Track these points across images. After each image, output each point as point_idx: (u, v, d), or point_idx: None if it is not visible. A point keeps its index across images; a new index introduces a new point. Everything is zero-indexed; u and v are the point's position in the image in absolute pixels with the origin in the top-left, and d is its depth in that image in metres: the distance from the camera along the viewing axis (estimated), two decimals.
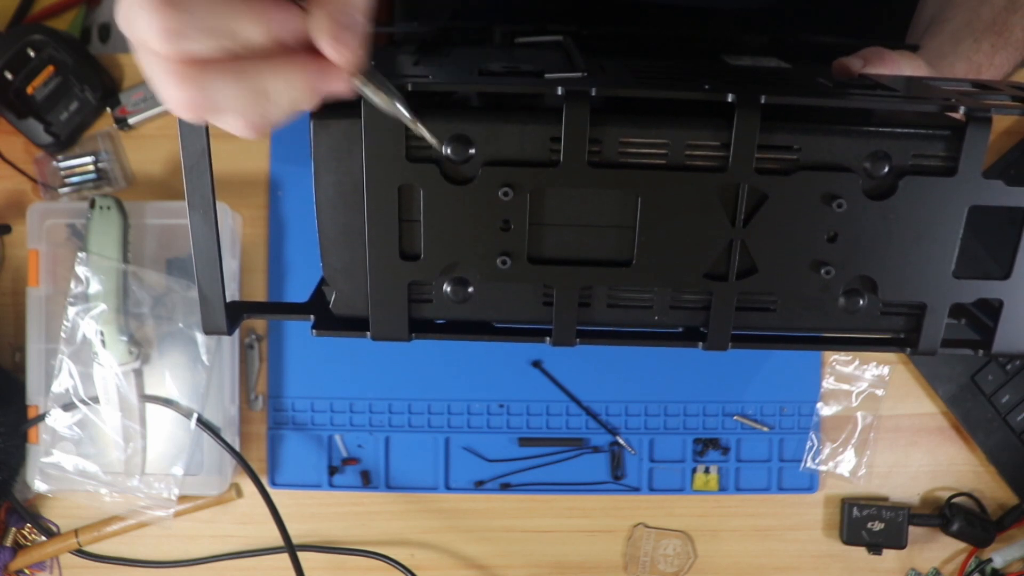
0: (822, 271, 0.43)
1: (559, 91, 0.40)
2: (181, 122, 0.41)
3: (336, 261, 0.45)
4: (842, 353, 0.79)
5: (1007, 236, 0.44)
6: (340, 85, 0.35)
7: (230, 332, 0.45)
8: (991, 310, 0.45)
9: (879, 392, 0.79)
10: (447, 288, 0.45)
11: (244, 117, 0.34)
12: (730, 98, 0.41)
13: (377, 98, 0.37)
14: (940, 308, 0.45)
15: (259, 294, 0.79)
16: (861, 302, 0.45)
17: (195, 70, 0.32)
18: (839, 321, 0.46)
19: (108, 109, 0.78)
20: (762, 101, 0.40)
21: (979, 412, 0.77)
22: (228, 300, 0.45)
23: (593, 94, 0.40)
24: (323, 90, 0.34)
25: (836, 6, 0.80)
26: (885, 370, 0.79)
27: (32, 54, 0.75)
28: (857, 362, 0.79)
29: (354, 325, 0.46)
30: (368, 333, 0.45)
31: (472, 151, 0.41)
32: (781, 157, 0.42)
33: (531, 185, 0.42)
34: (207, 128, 0.41)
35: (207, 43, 0.32)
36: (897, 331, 0.46)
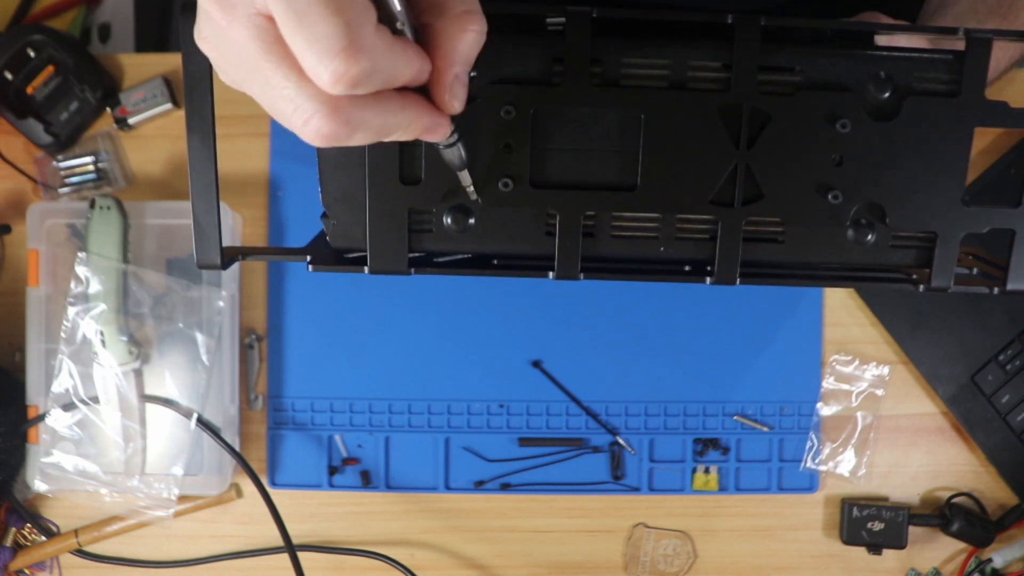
0: (829, 196, 0.43)
1: (561, 15, 0.40)
2: (184, 42, 0.40)
3: (335, 188, 0.44)
4: (842, 353, 0.79)
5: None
6: (443, 132, 0.37)
7: (224, 267, 0.44)
8: (1003, 261, 0.44)
9: (879, 392, 0.79)
10: (447, 218, 0.44)
11: (358, 142, 0.35)
12: (729, 19, 0.41)
13: (452, 155, 0.38)
14: (951, 238, 0.44)
15: (259, 294, 0.79)
16: (870, 234, 0.44)
17: (349, 105, 0.33)
18: (849, 255, 0.45)
19: (108, 109, 0.78)
20: (762, 23, 0.41)
21: (979, 412, 0.77)
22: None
23: (595, 15, 0.40)
24: (429, 133, 0.36)
25: (844, 2, 0.80)
26: (885, 370, 0.79)
27: (32, 54, 0.75)
28: (857, 362, 0.79)
29: (352, 261, 0.45)
30: (366, 268, 0.44)
31: (474, 73, 0.41)
32: (783, 79, 0.42)
33: (533, 104, 0.42)
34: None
35: (377, 85, 0.33)
36: (908, 267, 0.45)
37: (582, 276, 0.44)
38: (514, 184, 0.43)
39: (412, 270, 0.44)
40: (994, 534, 0.77)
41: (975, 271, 0.47)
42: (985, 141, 0.78)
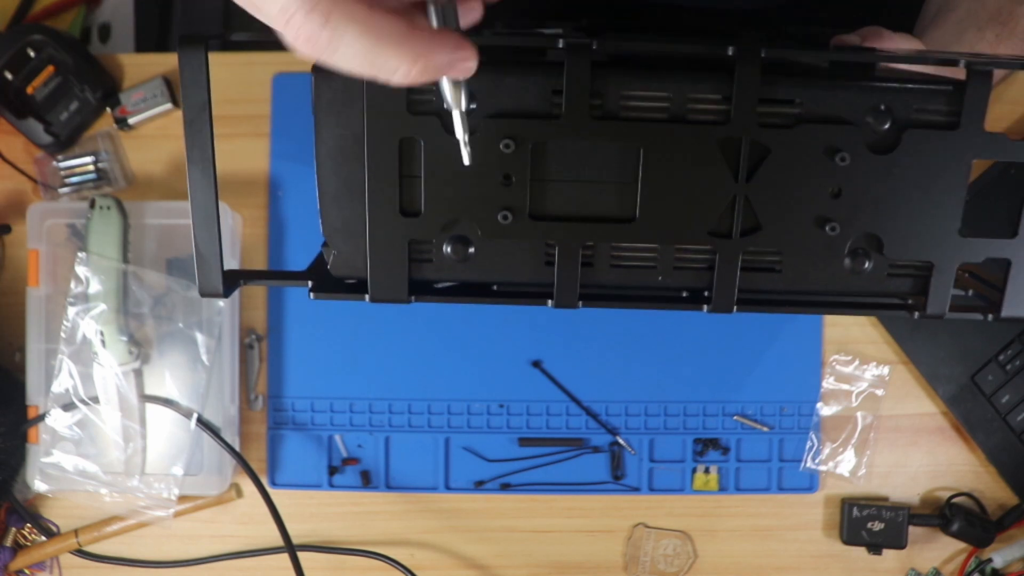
0: (827, 228, 0.43)
1: (560, 44, 0.40)
2: (183, 75, 0.41)
3: (335, 219, 0.44)
4: (842, 353, 0.79)
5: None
6: (470, 66, 0.36)
7: (226, 295, 0.44)
8: (999, 281, 0.44)
9: (879, 392, 0.79)
10: (447, 248, 0.44)
11: (345, 62, 0.34)
12: (730, 51, 0.41)
13: (452, 91, 0.38)
14: (948, 268, 0.44)
15: (259, 294, 0.79)
16: (867, 263, 0.44)
17: (331, 4, 0.33)
18: (846, 283, 0.45)
19: (108, 109, 0.78)
20: (762, 55, 0.41)
21: (979, 412, 0.77)
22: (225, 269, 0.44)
23: (594, 47, 0.40)
24: (444, 70, 0.36)
25: (843, 4, 0.80)
26: (885, 370, 0.79)
27: (32, 54, 0.75)
28: (857, 362, 0.79)
29: (352, 288, 0.45)
30: (366, 296, 0.44)
31: (474, 105, 0.41)
32: (783, 111, 0.42)
33: (532, 138, 0.42)
34: (208, 81, 0.41)
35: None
36: (904, 294, 0.46)
37: (581, 304, 0.45)
38: (513, 216, 0.43)
39: (412, 298, 0.45)
40: (994, 534, 0.77)
41: (971, 292, 0.47)
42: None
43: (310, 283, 0.45)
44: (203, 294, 0.44)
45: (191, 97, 0.42)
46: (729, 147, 0.42)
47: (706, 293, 0.45)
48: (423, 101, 0.41)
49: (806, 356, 0.79)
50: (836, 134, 0.42)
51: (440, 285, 0.46)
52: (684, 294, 0.47)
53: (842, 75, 0.44)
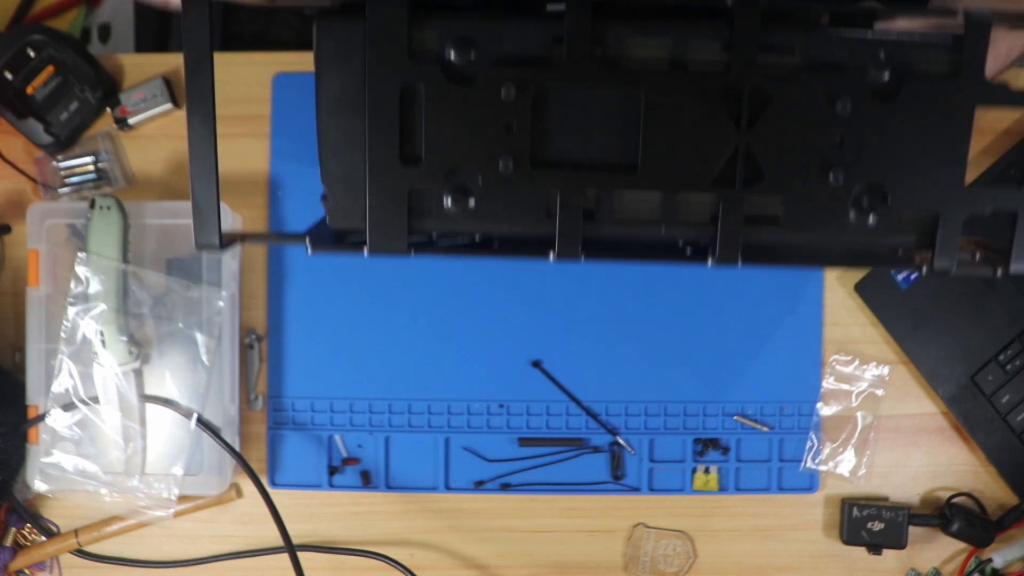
0: (830, 176, 0.43)
1: None
2: (185, 19, 0.40)
3: (335, 168, 0.44)
4: (842, 353, 0.79)
5: None
6: None
7: (223, 248, 0.44)
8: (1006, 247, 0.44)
9: (879, 392, 0.79)
10: (448, 199, 0.43)
11: None
12: (729, 1, 0.41)
13: None
14: (954, 220, 0.43)
15: (259, 294, 0.79)
16: (872, 214, 0.44)
17: None
18: (851, 236, 0.45)
19: (108, 109, 0.78)
20: (761, 3, 0.41)
21: (979, 412, 0.77)
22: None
23: None
24: None
25: None
26: (885, 370, 0.79)
27: (32, 54, 0.75)
28: (857, 362, 0.79)
29: (351, 243, 0.45)
30: (365, 250, 0.44)
31: (474, 54, 0.41)
32: (783, 60, 0.42)
33: (533, 83, 0.42)
34: (211, 25, 0.41)
35: None
36: (911, 249, 0.45)
37: (583, 257, 0.44)
38: (514, 164, 0.43)
39: (412, 250, 0.44)
40: (994, 534, 0.77)
41: (977, 257, 0.46)
42: (985, 141, 0.78)
43: (308, 239, 0.44)
44: (199, 246, 0.43)
45: (194, 41, 0.41)
46: (731, 95, 0.42)
47: (711, 247, 0.45)
48: (424, 51, 0.41)
49: (806, 356, 0.79)
50: (837, 81, 0.42)
51: (441, 243, 0.46)
52: (688, 252, 0.46)
53: (843, 25, 0.43)
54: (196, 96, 0.42)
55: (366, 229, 0.44)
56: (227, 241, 0.44)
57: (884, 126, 0.43)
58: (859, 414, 0.79)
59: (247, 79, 0.79)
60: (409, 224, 0.44)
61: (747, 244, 0.44)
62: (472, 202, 0.44)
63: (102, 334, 0.71)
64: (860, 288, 0.78)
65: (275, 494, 0.74)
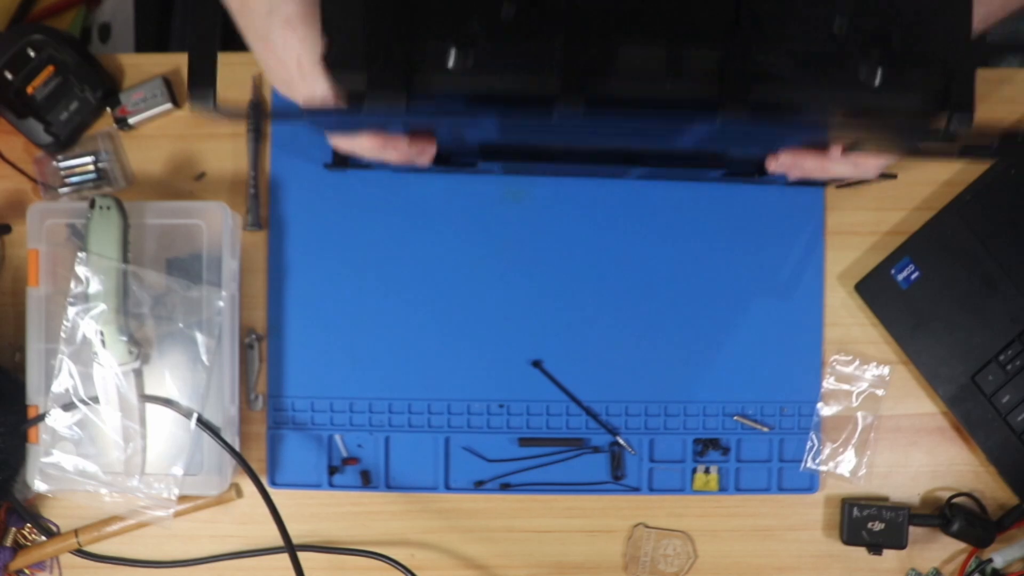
0: (835, 25, 0.42)
1: None
2: None
3: (336, 16, 0.43)
4: (842, 353, 0.79)
5: None
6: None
7: (215, 108, 0.43)
8: None
9: (879, 392, 0.79)
10: (451, 55, 0.42)
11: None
12: None
13: None
14: (966, 72, 0.42)
15: (259, 294, 0.79)
16: (879, 69, 0.42)
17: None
18: (859, 97, 0.43)
19: (108, 109, 0.78)
20: None
21: (979, 412, 0.77)
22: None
23: None
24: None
25: None
26: (885, 370, 0.79)
27: (32, 54, 0.75)
28: (857, 362, 0.79)
29: (347, 108, 0.43)
30: (362, 107, 0.43)
31: None
32: None
33: None
34: None
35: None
36: (922, 112, 0.43)
37: (583, 113, 0.42)
38: (516, 9, 0.42)
39: (409, 102, 0.43)
40: (994, 534, 0.77)
41: (995, 144, 0.45)
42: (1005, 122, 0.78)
43: (306, 112, 0.44)
44: (193, 97, 0.42)
45: None
46: None
47: (718, 101, 0.43)
48: None
49: (806, 356, 0.79)
50: None
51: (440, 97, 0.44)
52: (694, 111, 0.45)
53: None
54: None
55: (364, 80, 0.42)
56: (223, 108, 0.43)
57: None
58: (859, 414, 0.79)
59: (247, 79, 0.79)
60: (409, 82, 0.42)
61: (755, 103, 0.43)
62: (473, 57, 0.42)
63: (102, 334, 0.71)
64: (860, 288, 0.78)
65: (275, 494, 0.74)
